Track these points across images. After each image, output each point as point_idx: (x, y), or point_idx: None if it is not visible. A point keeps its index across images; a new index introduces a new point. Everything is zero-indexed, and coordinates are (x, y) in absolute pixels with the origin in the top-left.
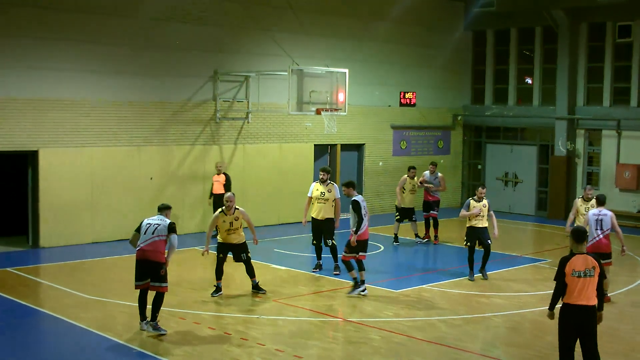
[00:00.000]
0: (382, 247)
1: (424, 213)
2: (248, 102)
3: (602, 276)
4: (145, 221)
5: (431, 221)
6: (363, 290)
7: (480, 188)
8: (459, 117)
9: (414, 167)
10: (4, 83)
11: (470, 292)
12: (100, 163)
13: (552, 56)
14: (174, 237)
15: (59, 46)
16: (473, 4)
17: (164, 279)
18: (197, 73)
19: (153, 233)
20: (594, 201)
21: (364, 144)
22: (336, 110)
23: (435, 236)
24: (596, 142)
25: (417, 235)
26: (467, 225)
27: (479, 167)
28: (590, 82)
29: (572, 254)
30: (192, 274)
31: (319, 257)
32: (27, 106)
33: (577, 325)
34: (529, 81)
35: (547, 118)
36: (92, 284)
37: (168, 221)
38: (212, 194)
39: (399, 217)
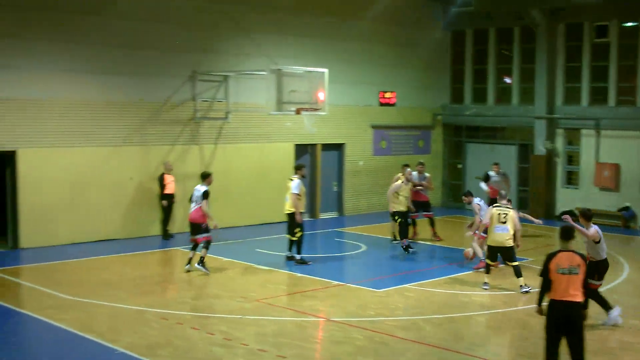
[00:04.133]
0: (365, 247)
1: (411, 214)
2: (227, 102)
3: (588, 274)
4: None
5: (428, 220)
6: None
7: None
8: (439, 117)
9: (407, 165)
10: None
11: (453, 291)
12: (80, 163)
13: (531, 56)
14: None
15: (38, 46)
16: (452, 3)
17: None
18: (176, 73)
19: None
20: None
21: (344, 143)
22: (316, 109)
23: (435, 233)
24: (575, 141)
25: (394, 236)
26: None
27: (459, 166)
28: (568, 81)
29: (558, 251)
30: (175, 275)
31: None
32: (6, 106)
33: (563, 321)
34: (508, 80)
35: (526, 117)
36: (72, 284)
37: None
38: (165, 195)
39: (399, 219)
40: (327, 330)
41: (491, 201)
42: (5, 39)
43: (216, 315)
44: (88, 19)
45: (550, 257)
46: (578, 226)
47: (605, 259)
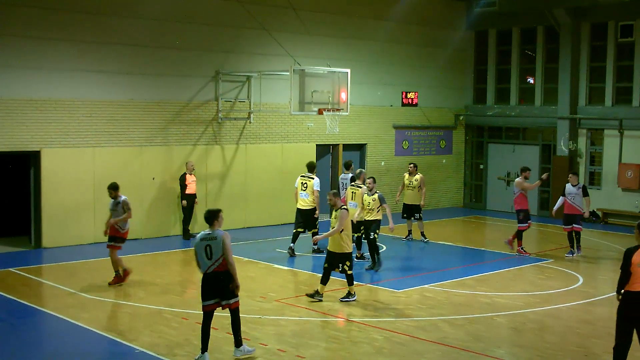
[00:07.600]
0: (385, 247)
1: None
2: (250, 102)
3: None
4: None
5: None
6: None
7: (368, 179)
8: (461, 117)
9: (412, 163)
10: (6, 83)
11: (473, 292)
12: (102, 163)
13: (554, 56)
14: None
15: (61, 46)
16: (475, 3)
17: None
18: (199, 73)
19: None
20: None
21: (366, 143)
22: (338, 110)
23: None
24: (598, 141)
25: (422, 234)
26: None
27: (481, 167)
28: (592, 81)
29: (637, 246)
30: (195, 274)
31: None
32: (30, 106)
33: (636, 313)
34: (531, 81)
35: (549, 118)
36: (94, 284)
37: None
38: (185, 195)
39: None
40: (346, 331)
41: (566, 218)
42: (30, 39)
43: None
44: (113, 19)
45: (631, 252)
46: None
47: None
